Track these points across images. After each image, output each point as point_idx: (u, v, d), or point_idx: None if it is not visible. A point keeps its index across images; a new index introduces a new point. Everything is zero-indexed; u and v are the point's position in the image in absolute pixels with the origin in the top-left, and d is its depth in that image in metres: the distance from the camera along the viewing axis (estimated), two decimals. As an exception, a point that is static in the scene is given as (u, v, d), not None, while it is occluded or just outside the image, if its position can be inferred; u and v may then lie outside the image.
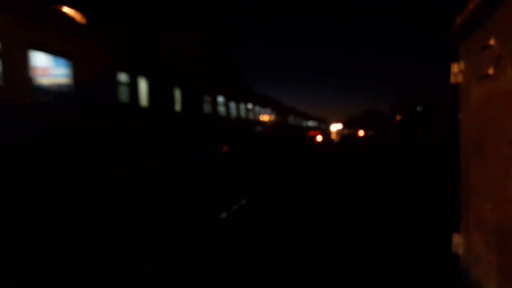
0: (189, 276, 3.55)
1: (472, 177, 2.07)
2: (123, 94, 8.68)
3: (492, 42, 1.65)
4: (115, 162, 7.81)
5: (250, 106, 21.80)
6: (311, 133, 44.50)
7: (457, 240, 2.40)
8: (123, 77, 8.68)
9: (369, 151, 20.78)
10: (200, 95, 13.27)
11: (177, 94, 11.25)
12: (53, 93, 6.85)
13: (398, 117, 45.85)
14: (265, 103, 25.97)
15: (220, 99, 15.67)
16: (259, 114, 23.93)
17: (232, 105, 17.83)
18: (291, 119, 39.60)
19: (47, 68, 6.78)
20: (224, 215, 5.61)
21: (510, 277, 1.50)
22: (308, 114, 66.35)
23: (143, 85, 9.44)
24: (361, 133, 66.50)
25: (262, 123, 24.48)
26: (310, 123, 62.09)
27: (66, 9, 7.38)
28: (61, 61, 6.67)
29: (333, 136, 53.15)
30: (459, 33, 2.20)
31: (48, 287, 3.54)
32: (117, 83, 8.42)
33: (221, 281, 3.44)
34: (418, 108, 39.26)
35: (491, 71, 1.67)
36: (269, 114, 27.06)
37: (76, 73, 6.90)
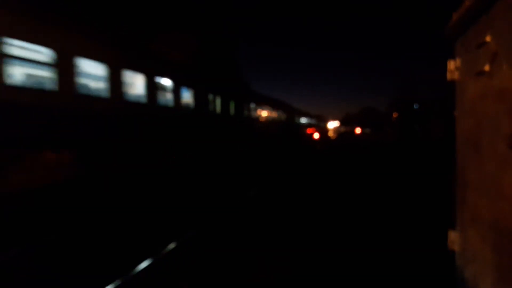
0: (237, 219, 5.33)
1: (467, 174, 2.07)
2: (210, 106, 14.19)
3: (488, 39, 1.65)
4: (207, 146, 13.47)
5: (269, 108, 26.75)
6: (309, 130, 44.77)
7: (453, 236, 2.40)
8: (210, 96, 14.15)
9: (367, 150, 20.76)
10: (241, 104, 19.10)
11: (232, 105, 17.09)
12: (185, 108, 11.92)
13: (394, 115, 45.72)
14: (277, 105, 29.85)
15: (252, 105, 21.71)
16: (272, 115, 28.24)
17: (258, 108, 23.40)
18: (296, 119, 41.93)
19: (183, 93, 11.78)
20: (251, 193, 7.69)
21: (505, 273, 1.50)
22: (309, 113, 67.41)
23: (218, 100, 15.07)
24: (358, 130, 66.71)
25: (273, 122, 28.04)
26: (311, 121, 63.17)
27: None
28: (189, 90, 12.20)
29: (330, 134, 53.21)
30: (455, 30, 2.20)
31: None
32: (208, 100, 13.86)
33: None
34: (415, 106, 39.17)
35: (487, 67, 1.67)
36: (279, 114, 31.02)
37: (194, 96, 12.49)
